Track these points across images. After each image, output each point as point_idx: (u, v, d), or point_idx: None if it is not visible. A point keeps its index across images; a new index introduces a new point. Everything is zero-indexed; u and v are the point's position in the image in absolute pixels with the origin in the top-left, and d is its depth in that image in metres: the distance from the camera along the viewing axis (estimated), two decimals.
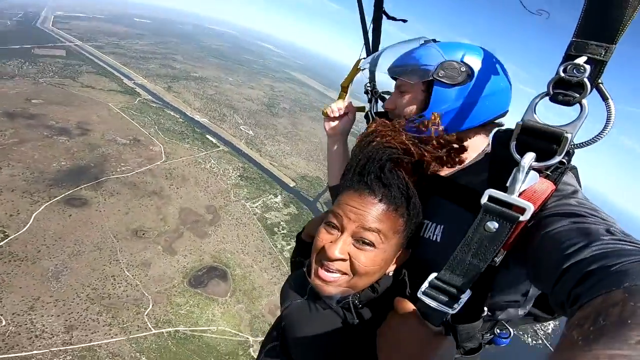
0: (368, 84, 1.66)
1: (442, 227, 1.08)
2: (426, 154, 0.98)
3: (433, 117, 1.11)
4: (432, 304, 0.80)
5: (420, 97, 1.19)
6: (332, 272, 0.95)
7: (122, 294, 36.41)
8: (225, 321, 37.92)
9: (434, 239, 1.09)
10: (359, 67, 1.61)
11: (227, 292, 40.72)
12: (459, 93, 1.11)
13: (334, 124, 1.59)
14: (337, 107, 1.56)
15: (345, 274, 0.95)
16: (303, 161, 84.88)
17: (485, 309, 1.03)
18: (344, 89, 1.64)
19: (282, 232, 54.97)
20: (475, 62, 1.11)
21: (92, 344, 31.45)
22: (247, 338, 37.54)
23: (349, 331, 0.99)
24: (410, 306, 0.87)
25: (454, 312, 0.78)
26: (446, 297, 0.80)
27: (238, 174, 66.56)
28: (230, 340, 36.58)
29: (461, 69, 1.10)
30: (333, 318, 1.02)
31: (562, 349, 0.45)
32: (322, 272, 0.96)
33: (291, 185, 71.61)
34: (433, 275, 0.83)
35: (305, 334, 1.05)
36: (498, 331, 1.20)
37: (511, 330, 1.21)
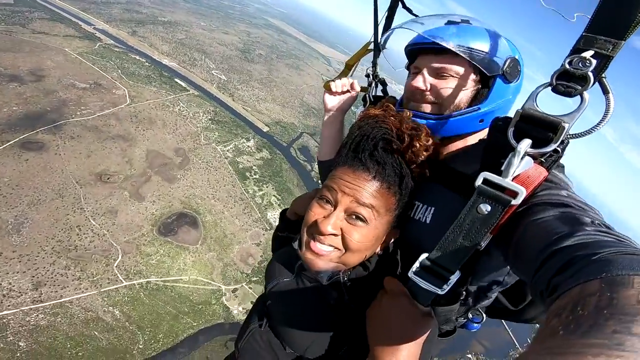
0: (370, 68, 1.66)
1: (432, 209, 1.09)
2: (416, 142, 0.99)
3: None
4: (423, 284, 0.82)
5: (472, 86, 1.13)
6: (325, 245, 0.96)
7: (89, 245, 35.90)
8: (197, 270, 38.22)
9: (424, 220, 1.10)
10: (369, 47, 1.61)
11: (198, 240, 40.81)
12: (511, 91, 1.14)
13: (334, 99, 1.55)
14: (342, 83, 1.52)
15: (337, 249, 0.96)
16: (278, 107, 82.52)
17: (464, 292, 1.06)
18: (349, 67, 1.66)
19: (254, 177, 54.79)
20: (522, 62, 1.15)
21: (62, 300, 31.21)
22: (220, 286, 38.27)
23: (339, 309, 0.99)
24: (400, 286, 0.89)
25: (444, 292, 0.81)
26: (436, 278, 0.82)
27: (209, 117, 64.56)
28: (202, 289, 37.17)
29: (517, 67, 1.12)
30: (322, 296, 1.02)
31: (541, 337, 0.47)
32: (314, 245, 0.96)
33: (264, 130, 70.23)
34: (424, 255, 0.85)
35: (294, 313, 1.06)
36: (471, 316, 1.22)
37: (484, 315, 1.22)
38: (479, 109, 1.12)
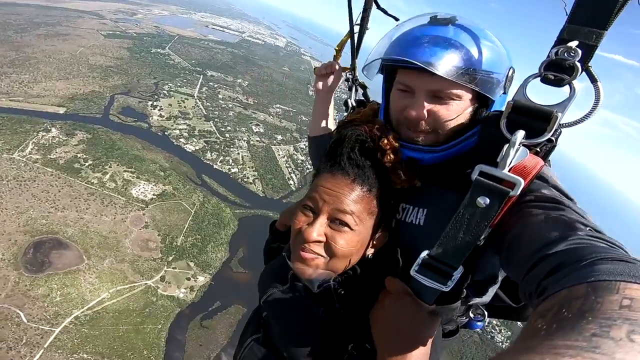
0: (349, 72, 1.76)
1: (425, 210, 1.10)
2: (387, 142, 1.02)
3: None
4: (426, 281, 0.84)
5: (470, 109, 1.05)
6: (311, 255, 1.00)
7: None
8: (109, 282, 36.67)
9: (417, 222, 1.11)
10: (351, 34, 1.73)
11: (81, 257, 37.67)
12: (502, 101, 1.10)
13: (321, 81, 1.70)
14: (325, 65, 1.68)
15: (323, 256, 1.00)
16: (60, 82, 66.94)
17: (464, 290, 1.05)
18: (337, 52, 1.81)
19: (87, 164, 48.02)
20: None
21: None
22: (146, 283, 38.11)
23: (333, 316, 1.02)
24: (402, 285, 0.91)
25: (448, 289, 0.82)
26: (439, 275, 0.83)
27: None
28: (133, 295, 36.48)
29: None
30: (316, 304, 1.05)
31: (524, 337, 0.49)
32: (301, 254, 1.00)
33: (62, 112, 57.99)
34: (425, 252, 0.87)
35: (290, 322, 1.08)
36: (472, 315, 1.24)
37: (486, 313, 1.25)
38: (476, 133, 1.06)
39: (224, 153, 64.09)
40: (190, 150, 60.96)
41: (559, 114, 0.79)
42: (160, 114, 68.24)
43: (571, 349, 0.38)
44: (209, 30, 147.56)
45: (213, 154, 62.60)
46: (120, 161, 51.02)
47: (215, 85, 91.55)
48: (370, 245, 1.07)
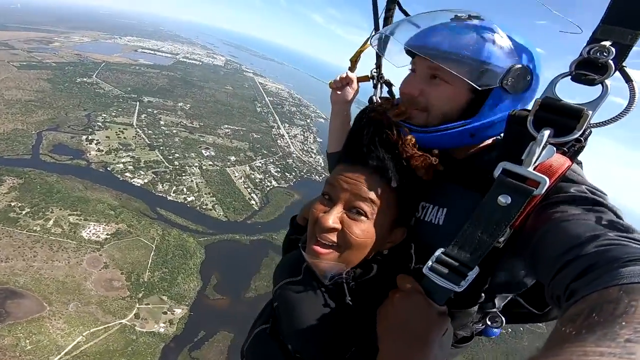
0: (374, 69, 1.77)
1: (444, 210, 1.11)
2: (401, 140, 1.02)
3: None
4: (439, 280, 0.83)
5: (464, 96, 1.08)
6: (326, 245, 1.01)
7: None
8: (80, 326, 35.63)
9: (435, 222, 1.12)
10: (369, 42, 1.68)
11: (40, 304, 36.25)
12: (512, 103, 1.07)
13: (336, 93, 1.69)
14: (340, 77, 1.67)
15: (339, 245, 1.01)
16: None
17: (482, 295, 1.04)
18: (353, 63, 1.79)
19: (23, 212, 45.50)
20: (536, 70, 1.06)
21: None
22: (120, 322, 37.38)
23: (344, 311, 1.04)
24: (414, 283, 0.90)
25: (461, 289, 0.82)
26: (453, 274, 0.83)
27: None
28: (110, 336, 35.69)
29: (526, 77, 1.04)
30: (327, 297, 1.07)
31: (553, 342, 0.48)
32: (315, 246, 1.02)
33: None
34: (440, 250, 0.87)
35: (299, 314, 1.08)
36: (489, 322, 1.21)
37: (503, 320, 1.20)
38: (468, 124, 1.07)
39: (176, 182, 63.34)
40: (138, 185, 59.46)
41: (590, 112, 0.79)
42: (99, 148, 65.72)
43: (603, 356, 0.37)
44: (138, 55, 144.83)
45: (164, 185, 61.61)
46: (63, 205, 48.62)
47: (155, 112, 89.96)
48: (387, 241, 1.08)
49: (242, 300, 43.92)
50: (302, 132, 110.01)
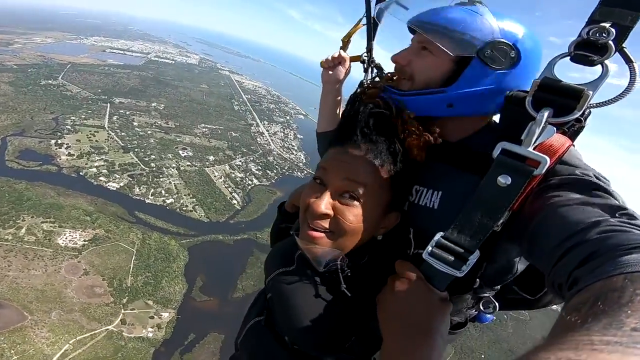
0: (365, 53, 1.77)
1: (439, 193, 1.11)
2: (404, 114, 1.05)
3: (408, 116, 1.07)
4: (439, 265, 0.83)
5: (446, 66, 1.12)
6: (319, 231, 1.00)
7: None
8: (66, 335, 34.98)
9: (430, 205, 1.12)
10: (360, 24, 1.73)
11: (20, 313, 35.52)
12: (495, 79, 1.07)
13: (327, 72, 1.68)
14: (332, 56, 1.65)
15: (332, 232, 1.00)
16: None
17: (477, 280, 1.06)
18: (345, 43, 1.78)
19: None
20: (525, 50, 1.06)
21: None
22: (107, 329, 36.94)
23: (340, 299, 1.03)
24: (413, 269, 0.89)
25: (462, 274, 0.81)
26: (454, 259, 0.82)
27: None
28: (98, 343, 35.24)
29: (511, 53, 1.04)
30: (322, 286, 1.06)
31: (559, 331, 0.48)
32: (309, 232, 1.01)
33: None
34: (439, 234, 0.87)
35: (294, 305, 1.06)
36: (482, 307, 1.24)
37: (497, 305, 1.23)
38: (442, 91, 1.11)
39: (154, 185, 62.32)
40: (114, 189, 58.12)
41: (590, 92, 0.80)
42: (69, 152, 63.65)
43: (610, 345, 0.36)
44: (107, 55, 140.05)
45: (141, 187, 60.48)
46: (35, 212, 47.00)
47: (128, 113, 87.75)
48: (381, 226, 1.08)
49: (230, 300, 44.08)
50: (282, 129, 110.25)
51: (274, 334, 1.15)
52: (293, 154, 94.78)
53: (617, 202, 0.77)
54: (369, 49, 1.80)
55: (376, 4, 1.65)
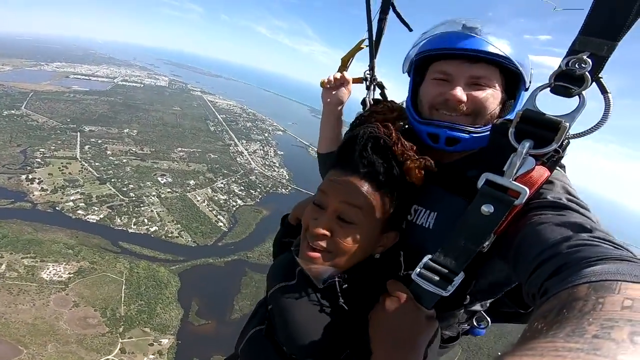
0: (367, 71, 1.86)
1: (435, 214, 1.18)
2: (404, 141, 1.08)
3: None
4: (426, 285, 0.91)
5: (501, 96, 1.20)
6: (317, 250, 1.08)
7: None
8: None
9: (426, 225, 1.19)
10: (362, 45, 1.81)
11: (14, 347, 35.51)
12: (523, 97, 1.22)
13: (329, 93, 1.71)
14: (334, 76, 1.69)
15: (330, 252, 1.08)
16: None
17: (468, 297, 1.14)
18: (344, 62, 1.84)
19: None
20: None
21: None
22: (107, 358, 36.99)
23: (337, 314, 1.10)
24: (403, 288, 0.97)
25: (448, 294, 0.89)
26: (440, 280, 0.90)
27: None
28: None
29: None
30: (321, 301, 1.13)
31: (525, 338, 0.52)
32: (308, 252, 1.09)
33: None
34: (427, 257, 0.95)
35: (294, 319, 1.12)
36: (475, 323, 1.33)
37: (489, 320, 1.33)
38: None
39: (135, 214, 62.55)
40: (94, 221, 58.02)
41: (567, 124, 0.85)
42: (42, 187, 62.80)
43: (572, 352, 0.39)
44: (71, 81, 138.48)
45: (123, 218, 60.63)
46: (13, 249, 46.53)
47: (100, 141, 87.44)
48: (379, 244, 1.14)
49: (229, 322, 44.82)
50: (261, 147, 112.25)
51: (273, 344, 1.21)
52: (275, 170, 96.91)
53: (587, 220, 0.85)
54: (371, 67, 1.89)
55: (379, 21, 1.82)
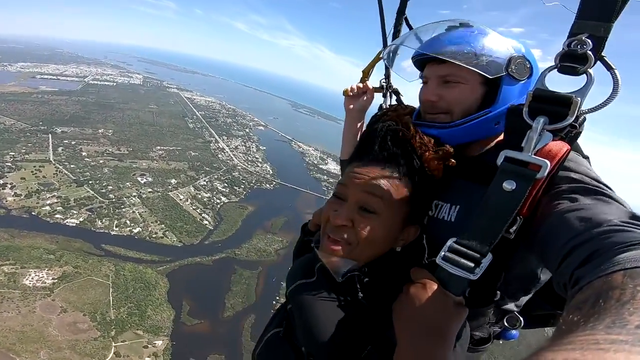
0: (383, 79, 2.01)
1: (457, 207, 1.21)
2: (419, 135, 1.13)
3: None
4: (453, 269, 0.89)
5: (478, 91, 1.25)
6: (338, 242, 1.10)
7: None
8: None
9: (448, 219, 1.22)
10: (380, 56, 1.92)
11: (6, 355, 35.60)
12: (521, 90, 1.24)
13: (351, 101, 1.87)
14: (356, 86, 1.85)
15: (350, 243, 1.09)
16: None
17: (498, 292, 1.10)
18: (365, 74, 1.99)
19: None
20: (533, 59, 1.26)
21: None
22: None
23: (358, 309, 1.09)
24: (428, 275, 0.95)
25: (476, 277, 0.87)
26: (467, 262, 0.88)
27: None
28: None
29: (526, 65, 1.23)
30: (340, 297, 1.12)
31: (561, 332, 0.49)
32: (328, 244, 1.11)
33: None
34: (452, 239, 0.93)
35: (313, 316, 1.11)
36: (507, 324, 1.29)
37: (522, 320, 1.28)
38: (489, 112, 1.23)
39: (116, 216, 61.99)
40: (74, 225, 57.30)
41: (579, 99, 0.89)
42: (15, 192, 61.43)
43: (615, 344, 0.37)
44: (38, 82, 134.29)
45: (104, 220, 60.06)
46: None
47: (73, 142, 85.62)
48: (400, 238, 1.15)
49: (222, 320, 45.47)
50: (243, 143, 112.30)
51: (291, 345, 1.20)
52: (258, 166, 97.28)
53: (618, 204, 0.84)
54: (387, 75, 2.08)
55: (393, 38, 1.99)
